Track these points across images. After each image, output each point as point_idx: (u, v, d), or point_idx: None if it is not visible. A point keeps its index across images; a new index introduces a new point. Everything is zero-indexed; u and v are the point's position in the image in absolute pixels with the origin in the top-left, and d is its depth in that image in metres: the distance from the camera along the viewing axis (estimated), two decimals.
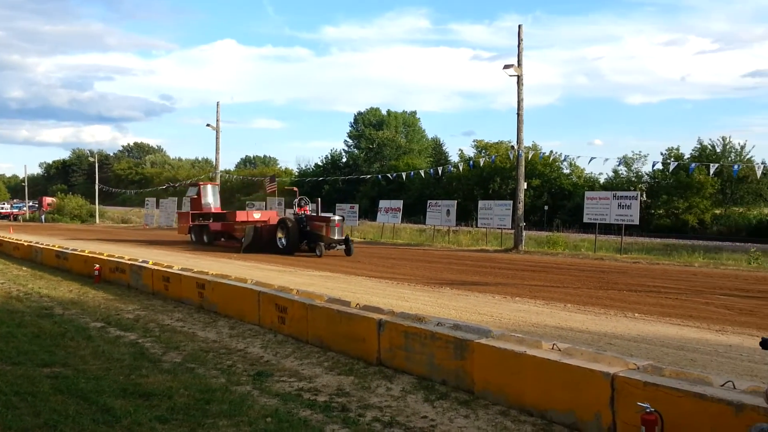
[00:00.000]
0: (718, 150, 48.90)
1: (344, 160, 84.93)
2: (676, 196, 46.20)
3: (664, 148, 57.72)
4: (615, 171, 52.12)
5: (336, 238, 24.45)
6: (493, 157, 45.66)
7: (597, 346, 8.76)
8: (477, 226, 34.82)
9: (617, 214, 26.32)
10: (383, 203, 38.66)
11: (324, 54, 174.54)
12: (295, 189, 30.44)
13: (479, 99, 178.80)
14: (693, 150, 49.82)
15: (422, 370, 7.81)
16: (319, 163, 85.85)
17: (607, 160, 55.02)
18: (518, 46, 27.76)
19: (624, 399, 5.65)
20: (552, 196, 52.67)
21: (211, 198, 34.77)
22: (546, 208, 49.46)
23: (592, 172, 55.63)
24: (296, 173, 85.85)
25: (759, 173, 39.46)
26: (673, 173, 45.92)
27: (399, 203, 37.75)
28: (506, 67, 27.48)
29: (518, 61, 27.70)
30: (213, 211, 33.73)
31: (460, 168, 46.50)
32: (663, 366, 6.07)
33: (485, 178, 54.06)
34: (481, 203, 33.09)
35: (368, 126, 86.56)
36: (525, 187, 29.46)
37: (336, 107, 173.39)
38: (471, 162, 46.78)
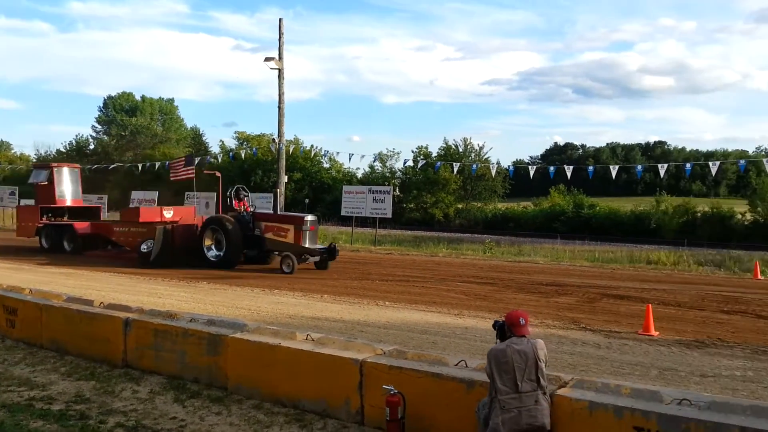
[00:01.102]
0: (460, 150, 53.71)
1: (92, 147, 78.20)
2: (425, 191, 49.84)
3: (415, 146, 62.09)
4: (371, 167, 54.79)
5: (308, 246, 17.25)
6: (255, 149, 45.28)
7: (349, 335, 9.08)
8: None
9: (372, 208, 27.66)
10: (136, 194, 36.38)
11: (69, 30, 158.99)
12: (218, 174, 24.13)
13: (241, 90, 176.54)
14: (440, 149, 54.08)
15: (173, 369, 7.45)
16: (62, 149, 78.06)
17: (363, 156, 57.76)
18: (279, 39, 27.83)
19: (371, 383, 5.91)
20: (313, 190, 53.77)
21: (68, 186, 24.58)
22: (307, 201, 50.36)
23: (350, 167, 57.87)
24: (34, 160, 77.21)
25: (494, 172, 44.27)
26: (422, 170, 49.49)
27: (154, 194, 35.79)
28: (267, 59, 27.39)
29: (279, 54, 27.77)
30: (72, 204, 24.49)
31: (219, 159, 45.46)
32: (407, 350, 6.47)
33: (247, 170, 53.48)
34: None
35: (120, 111, 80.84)
36: (286, 180, 29.70)
37: (83, 89, 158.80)
38: (232, 154, 45.95)
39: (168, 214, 21.49)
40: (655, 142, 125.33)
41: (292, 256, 16.95)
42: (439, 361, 5.94)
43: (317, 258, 17.39)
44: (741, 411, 4.55)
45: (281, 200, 28.32)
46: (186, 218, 20.92)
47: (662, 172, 24.57)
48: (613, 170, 25.72)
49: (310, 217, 17.61)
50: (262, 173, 53.19)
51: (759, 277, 17.33)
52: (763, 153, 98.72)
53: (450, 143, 53.93)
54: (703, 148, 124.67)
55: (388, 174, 53.87)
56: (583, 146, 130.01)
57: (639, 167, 32.82)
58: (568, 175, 25.44)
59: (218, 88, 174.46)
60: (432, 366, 5.82)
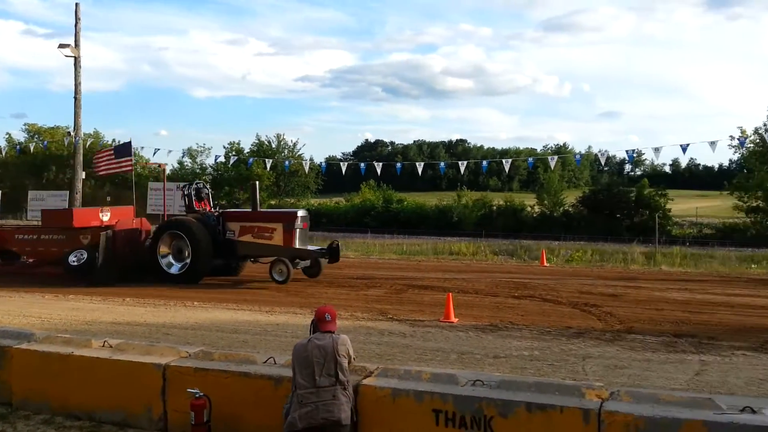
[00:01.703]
0: (273, 146, 53.29)
1: None
2: (237, 187, 48.84)
3: (226, 141, 60.55)
4: (180, 162, 52.60)
5: (298, 246, 14.52)
6: (46, 142, 41.45)
7: (153, 338, 8.65)
8: (27, 219, 31.24)
9: (181, 205, 26.51)
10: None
11: None
12: (163, 166, 20.95)
13: (33, 78, 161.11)
14: (252, 145, 53.28)
15: None
16: None
17: (171, 151, 55.23)
18: (75, 25, 25.68)
19: (176, 387, 5.67)
20: (116, 186, 50.47)
21: None
22: (109, 198, 47.22)
23: (157, 163, 55.15)
24: None
25: (307, 168, 44.47)
26: (234, 166, 48.42)
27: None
28: (62, 46, 25.18)
29: (76, 41, 25.63)
30: None
31: (3, 153, 41.11)
32: (214, 351, 6.30)
33: (39, 165, 48.88)
34: (31, 193, 29.94)
35: None
36: (84, 176, 27.54)
37: None
38: (19, 147, 41.69)
39: (105, 216, 16.83)
40: (457, 140, 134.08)
41: (286, 261, 14.05)
42: (248, 360, 5.84)
43: (308, 262, 14.88)
44: (527, 388, 4.99)
45: (78, 198, 26.26)
46: (124, 221, 16.29)
47: (463, 169, 26.15)
48: (419, 167, 26.96)
49: (302, 213, 15.10)
50: (56, 169, 48.91)
51: (545, 264, 19.13)
52: (550, 151, 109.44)
53: (263, 139, 53.34)
54: (499, 146, 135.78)
55: (198, 170, 52.03)
56: (392, 143, 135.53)
57: (442, 164, 34.67)
58: (378, 171, 26.22)
59: (6, 75, 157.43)
60: (240, 365, 5.71)
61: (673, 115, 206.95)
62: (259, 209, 15.63)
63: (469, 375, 5.35)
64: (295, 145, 54.60)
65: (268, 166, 41.04)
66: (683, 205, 48.96)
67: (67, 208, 24.52)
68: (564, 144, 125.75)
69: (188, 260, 14.55)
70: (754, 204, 33.51)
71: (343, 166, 29.01)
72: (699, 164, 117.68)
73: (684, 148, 18.26)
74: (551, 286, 13.99)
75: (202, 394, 5.33)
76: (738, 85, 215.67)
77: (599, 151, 24.72)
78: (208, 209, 15.70)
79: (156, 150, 31.65)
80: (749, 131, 31.73)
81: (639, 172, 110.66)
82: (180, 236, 14.66)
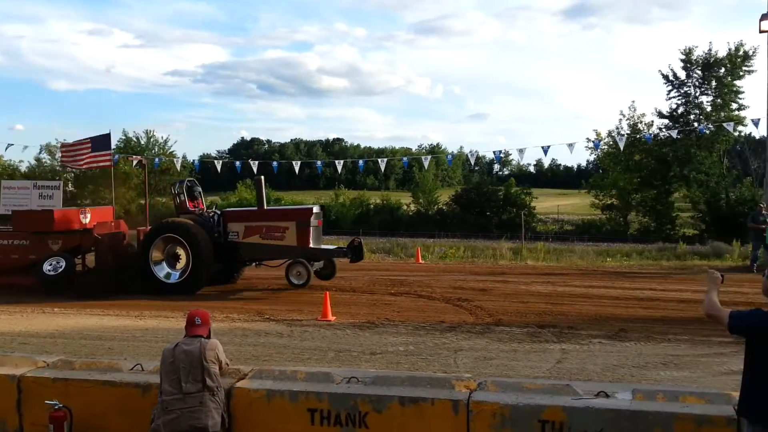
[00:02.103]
0: (142, 142, 51.04)
1: None
2: (103, 186, 46.39)
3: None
4: (38, 159, 49.16)
5: (314, 246, 13.25)
6: None
7: (8, 348, 8.03)
8: None
9: (39, 205, 24.78)
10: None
11: None
12: (145, 160, 19.23)
13: None
14: (119, 141, 50.75)
15: None
16: None
17: (26, 147, 51.61)
18: None
19: (32, 400, 5.31)
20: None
21: None
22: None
23: (11, 160, 51.17)
24: None
25: (179, 166, 42.94)
26: None
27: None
28: None
29: None
30: None
31: None
32: (75, 359, 5.94)
33: None
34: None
35: None
36: None
37: None
38: None
39: (85, 218, 14.45)
40: (334, 138, 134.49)
41: (305, 262, 12.95)
42: (112, 368, 5.56)
43: (321, 263, 13.58)
44: (400, 382, 5.10)
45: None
46: (104, 223, 14.53)
47: (340, 168, 26.29)
48: (297, 165, 26.80)
49: (316, 209, 13.66)
50: None
51: (420, 261, 19.63)
52: (424, 150, 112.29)
53: (131, 135, 50.95)
54: (375, 145, 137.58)
55: (58, 167, 48.84)
56: (269, 141, 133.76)
57: (319, 163, 34.69)
58: (255, 169, 25.82)
59: None
60: (104, 374, 5.42)
61: (536, 117, 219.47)
62: (265, 207, 14.10)
63: (345, 372, 5.39)
64: (166, 141, 52.62)
65: (134, 163, 39.24)
66: (546, 203, 52.01)
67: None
68: (437, 144, 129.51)
69: (187, 267, 12.92)
70: (609, 202, 36.04)
71: (218, 164, 28.29)
72: (560, 165, 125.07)
73: (545, 150, 19.38)
74: (426, 283, 14.36)
75: (61, 405, 5.01)
76: (593, 90, 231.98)
77: (470, 152, 25.70)
78: (201, 209, 14.21)
79: (8, 145, 29.24)
80: (603, 134, 34.12)
81: (507, 172, 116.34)
82: (176, 240, 13.05)
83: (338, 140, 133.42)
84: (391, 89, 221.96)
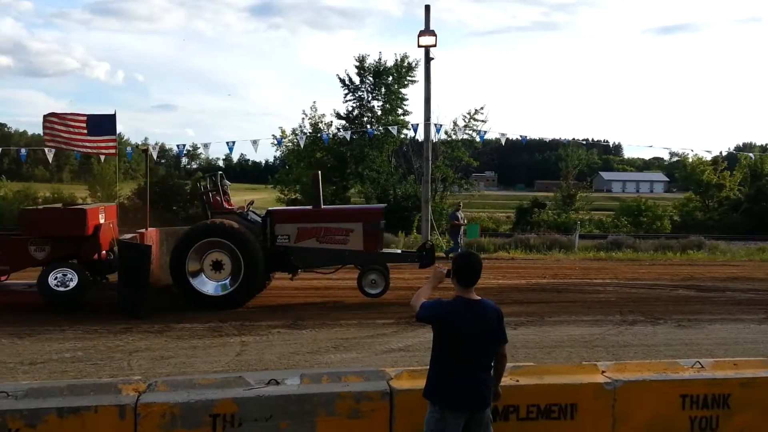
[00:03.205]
0: None
1: None
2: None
3: None
4: None
5: (378, 250, 11.58)
6: None
7: None
8: None
9: None
10: None
11: None
12: (150, 149, 15.95)
13: None
14: None
15: None
16: None
17: None
18: None
19: None
20: None
21: None
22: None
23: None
24: None
25: None
26: None
27: None
28: None
29: None
30: None
31: None
32: None
33: None
34: None
35: None
36: None
37: None
38: None
39: (102, 217, 11.40)
40: None
41: (382, 269, 11.49)
42: None
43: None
44: (59, 393, 4.66)
45: None
46: (112, 224, 11.88)
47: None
48: None
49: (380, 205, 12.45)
50: None
51: None
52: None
53: None
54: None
55: None
56: None
57: None
58: None
59: None
60: None
61: (226, 111, 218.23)
62: (323, 206, 12.24)
63: None
64: None
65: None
66: (236, 197, 52.13)
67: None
68: (120, 134, 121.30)
69: (237, 277, 10.97)
70: (294, 196, 37.52)
71: None
72: (249, 160, 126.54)
73: (231, 147, 19.43)
74: None
75: None
76: (280, 88, 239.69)
77: (154, 144, 24.64)
78: (242, 208, 12.38)
79: None
80: (288, 131, 35.37)
81: (195, 165, 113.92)
82: (222, 245, 11.02)
83: (1, 125, 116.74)
84: (66, 72, 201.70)
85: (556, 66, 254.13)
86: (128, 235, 11.77)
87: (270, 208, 13.13)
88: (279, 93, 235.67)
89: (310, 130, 32.36)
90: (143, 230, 11.76)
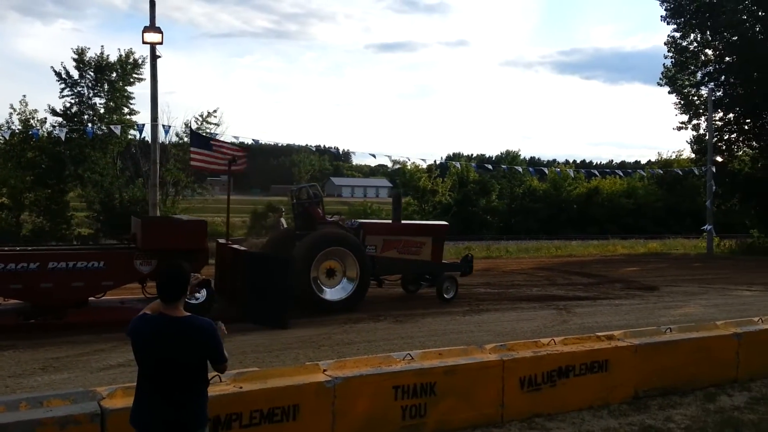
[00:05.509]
0: None
1: None
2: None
3: None
4: None
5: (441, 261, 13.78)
6: None
7: None
8: None
9: None
10: None
11: None
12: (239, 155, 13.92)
13: None
14: None
15: None
16: None
17: None
18: None
19: None
20: None
21: None
22: None
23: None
24: None
25: None
26: None
27: None
28: None
29: None
30: None
31: None
32: None
33: None
34: None
35: None
36: None
37: None
38: None
39: None
40: None
41: (454, 276, 13.34)
42: None
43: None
44: None
45: None
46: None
47: None
48: None
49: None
50: None
51: None
52: None
53: None
54: None
55: None
56: None
57: None
58: None
59: None
60: None
61: None
62: (401, 221, 13.97)
63: None
64: None
65: None
66: None
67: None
68: None
69: (354, 282, 11.91)
70: (1, 201, 33.16)
71: None
72: None
73: None
74: None
75: None
76: None
77: None
78: (341, 219, 13.16)
79: None
80: None
81: None
82: (340, 254, 11.88)
83: None
84: None
85: (289, 72, 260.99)
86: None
87: (360, 220, 13.96)
88: None
89: (20, 127, 28.86)
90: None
